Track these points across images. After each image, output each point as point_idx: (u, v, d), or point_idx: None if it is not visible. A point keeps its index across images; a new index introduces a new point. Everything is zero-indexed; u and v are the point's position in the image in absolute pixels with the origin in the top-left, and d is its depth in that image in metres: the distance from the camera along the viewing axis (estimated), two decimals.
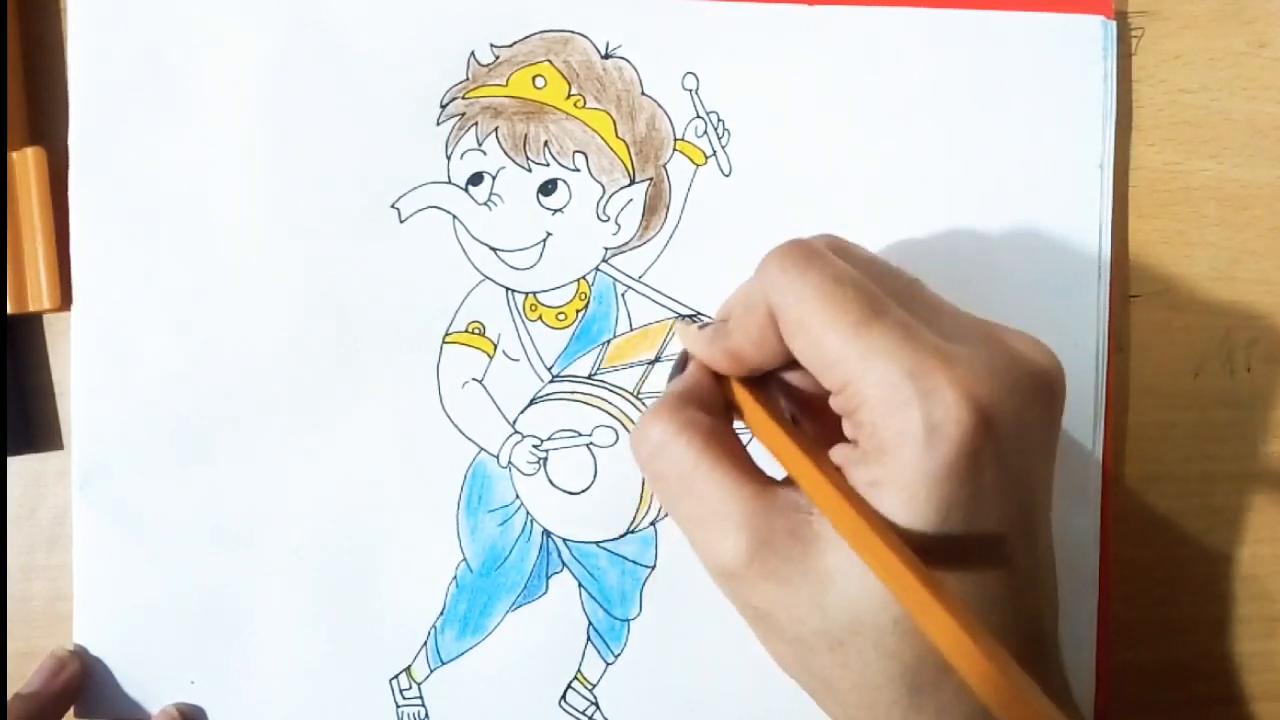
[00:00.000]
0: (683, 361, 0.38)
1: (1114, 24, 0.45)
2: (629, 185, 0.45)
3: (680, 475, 0.34)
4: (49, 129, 0.44)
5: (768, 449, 0.34)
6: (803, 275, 0.33)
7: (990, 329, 0.34)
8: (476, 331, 0.45)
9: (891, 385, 0.31)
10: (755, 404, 0.35)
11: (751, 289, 0.35)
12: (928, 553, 0.30)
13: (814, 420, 0.37)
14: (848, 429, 0.33)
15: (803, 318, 0.32)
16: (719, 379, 0.37)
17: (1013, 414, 0.31)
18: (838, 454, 0.33)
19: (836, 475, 0.32)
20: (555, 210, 0.45)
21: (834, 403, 0.33)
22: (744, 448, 0.35)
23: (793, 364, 0.35)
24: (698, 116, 0.45)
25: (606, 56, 0.45)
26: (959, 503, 0.31)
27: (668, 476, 0.34)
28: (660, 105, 0.45)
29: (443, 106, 0.45)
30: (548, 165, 0.45)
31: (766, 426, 0.35)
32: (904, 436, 0.31)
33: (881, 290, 0.33)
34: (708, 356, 0.36)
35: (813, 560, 0.32)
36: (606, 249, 0.45)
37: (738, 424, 0.37)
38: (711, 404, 0.36)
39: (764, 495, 0.33)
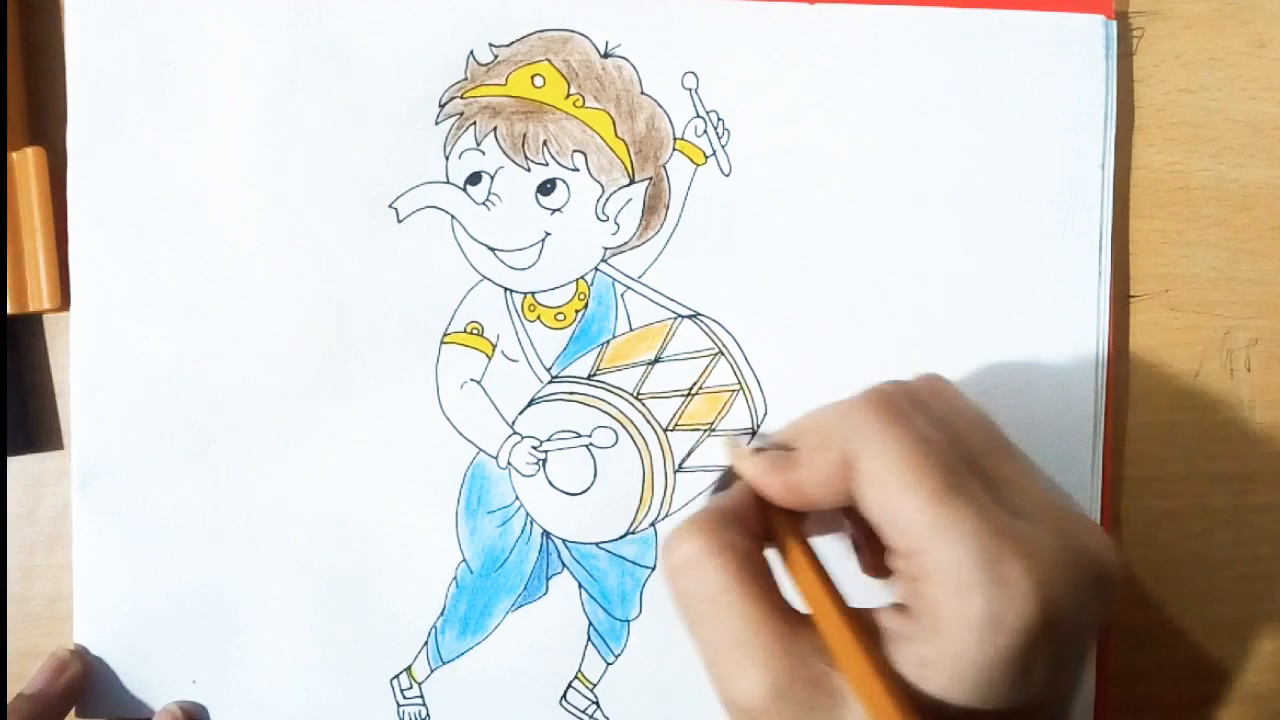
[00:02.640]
0: (727, 479, 0.37)
1: (1114, 24, 0.45)
2: (628, 185, 0.45)
3: (710, 597, 0.33)
4: (49, 129, 0.44)
5: (801, 594, 0.34)
6: (890, 430, 0.32)
7: (1061, 511, 0.33)
8: (475, 332, 0.45)
9: (961, 566, 0.30)
10: (799, 546, 0.34)
11: (830, 426, 0.34)
12: None
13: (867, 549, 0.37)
14: (901, 592, 0.32)
15: (881, 475, 0.32)
16: (763, 506, 0.36)
17: (1074, 609, 0.31)
18: (887, 619, 0.32)
19: (868, 642, 0.31)
20: (554, 210, 0.45)
21: (897, 564, 0.32)
22: (774, 579, 0.34)
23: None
24: (697, 116, 0.45)
25: (606, 55, 0.45)
26: (1005, 689, 0.30)
27: (695, 596, 0.33)
28: (660, 104, 0.45)
29: (441, 106, 0.45)
30: (546, 165, 0.45)
31: (805, 573, 0.34)
32: (965, 620, 0.30)
33: (964, 449, 0.33)
34: (764, 484, 0.35)
35: (832, 716, 0.31)
36: (606, 249, 0.45)
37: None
38: (751, 530, 0.35)
39: (790, 636, 0.32)
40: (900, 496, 0.31)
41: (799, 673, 0.31)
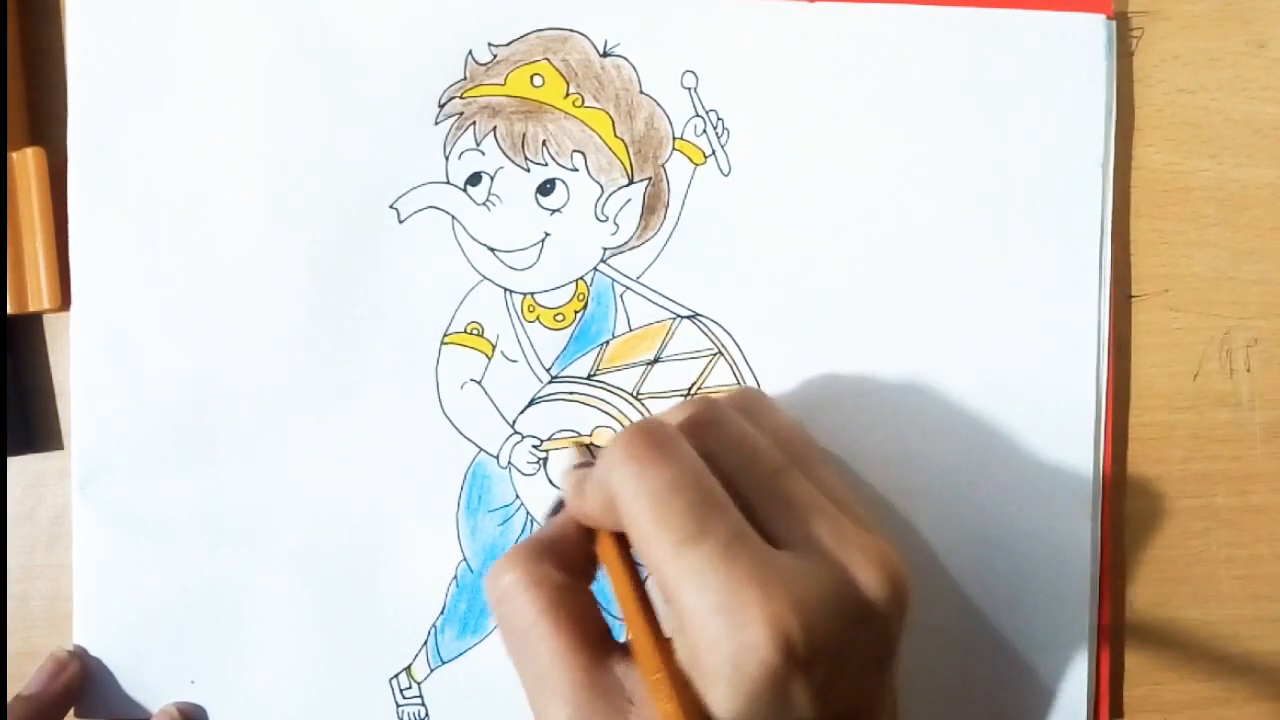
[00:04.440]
0: (561, 502, 0.38)
1: (1114, 24, 0.45)
2: (627, 185, 0.45)
3: (519, 631, 0.34)
4: (49, 129, 0.44)
5: (620, 610, 0.34)
6: (641, 473, 0.32)
7: (837, 537, 0.33)
8: (475, 332, 0.45)
9: (702, 618, 0.30)
10: (618, 563, 0.35)
11: (602, 460, 0.34)
12: None
13: None
14: None
15: (633, 519, 0.32)
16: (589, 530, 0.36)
17: (830, 639, 0.31)
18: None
19: (672, 663, 0.31)
20: (554, 210, 0.45)
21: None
22: (595, 610, 0.35)
23: None
24: (697, 115, 0.45)
25: (605, 55, 0.45)
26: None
27: (508, 628, 0.34)
28: (659, 104, 0.45)
29: (441, 106, 0.45)
30: (546, 165, 0.45)
31: (621, 588, 0.34)
32: (714, 672, 0.30)
33: (750, 473, 0.33)
34: (569, 504, 0.36)
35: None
36: (605, 249, 0.45)
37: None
38: (573, 557, 0.36)
39: (593, 671, 0.33)
40: (648, 545, 0.31)
41: (598, 707, 0.32)
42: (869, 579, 0.32)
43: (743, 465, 0.34)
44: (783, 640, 0.30)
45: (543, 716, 0.33)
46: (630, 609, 0.33)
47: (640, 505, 0.31)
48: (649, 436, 0.33)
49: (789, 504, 0.34)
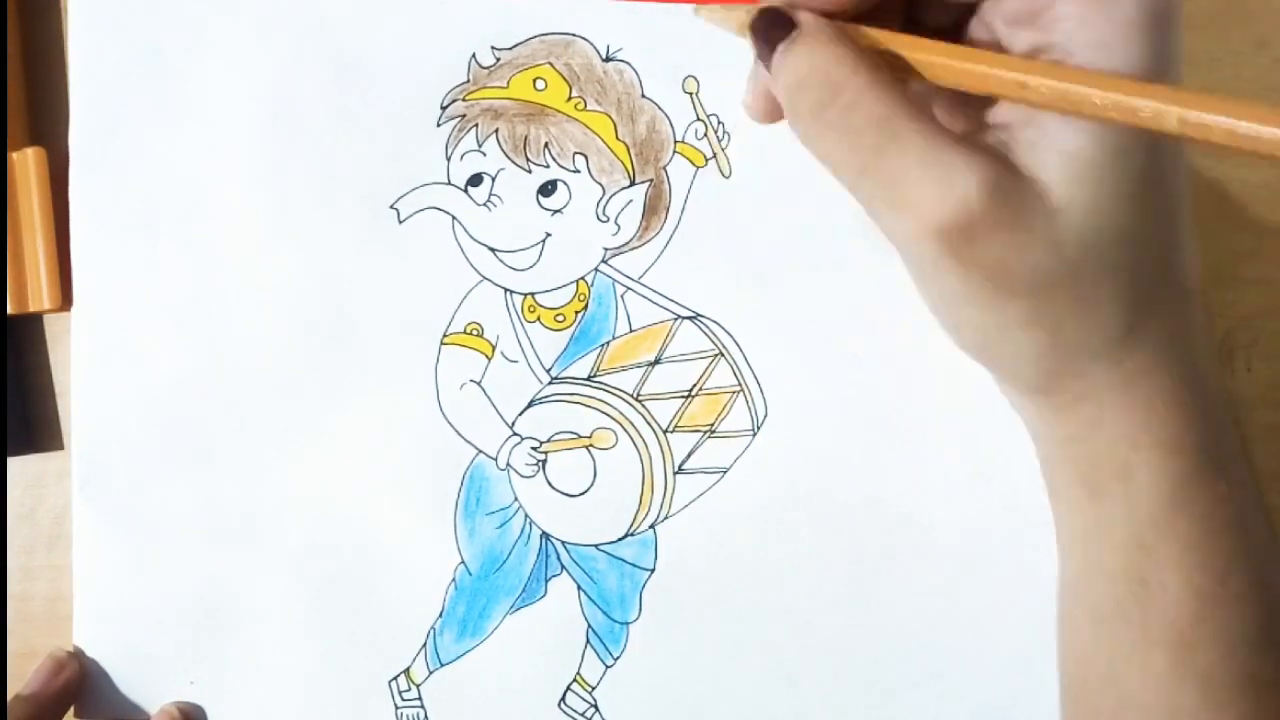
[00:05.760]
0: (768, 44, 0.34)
1: None
2: (629, 186, 0.45)
3: (880, 123, 0.30)
4: (49, 129, 0.45)
5: (958, 79, 0.30)
6: None
7: None
8: (474, 333, 0.45)
9: None
10: (917, 40, 0.31)
11: None
12: None
13: None
14: (1030, 34, 0.31)
15: None
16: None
17: None
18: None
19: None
20: (555, 211, 0.45)
21: (1004, 21, 0.31)
22: None
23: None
24: (698, 119, 0.45)
25: (607, 59, 0.45)
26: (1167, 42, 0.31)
27: (862, 128, 0.31)
28: (660, 108, 0.45)
29: (443, 108, 0.45)
30: (548, 167, 0.45)
31: (951, 52, 0.31)
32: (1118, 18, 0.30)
33: None
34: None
35: (1041, 199, 0.30)
36: (606, 249, 0.45)
37: None
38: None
39: (969, 141, 0.30)
40: None
41: (998, 166, 0.30)
42: None
43: None
44: None
45: (937, 210, 0.30)
46: (974, 56, 0.30)
47: None
48: None
49: None
